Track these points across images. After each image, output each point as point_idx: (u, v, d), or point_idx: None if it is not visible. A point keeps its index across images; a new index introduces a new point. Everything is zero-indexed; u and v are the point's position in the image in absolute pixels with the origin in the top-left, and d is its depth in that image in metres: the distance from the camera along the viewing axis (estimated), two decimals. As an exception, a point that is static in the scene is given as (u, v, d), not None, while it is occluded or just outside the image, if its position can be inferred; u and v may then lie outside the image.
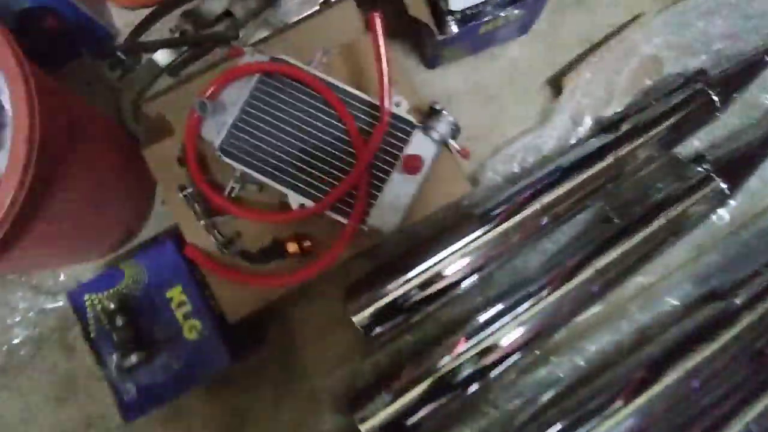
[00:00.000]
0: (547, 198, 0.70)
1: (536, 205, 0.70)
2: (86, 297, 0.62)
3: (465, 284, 0.70)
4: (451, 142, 0.62)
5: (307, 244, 0.62)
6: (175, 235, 0.66)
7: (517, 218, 0.70)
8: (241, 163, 0.61)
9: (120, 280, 0.62)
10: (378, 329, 0.68)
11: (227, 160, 0.61)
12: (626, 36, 0.76)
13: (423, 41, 0.75)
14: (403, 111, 0.61)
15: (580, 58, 0.78)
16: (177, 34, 0.77)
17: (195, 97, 0.59)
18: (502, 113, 0.79)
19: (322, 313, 0.77)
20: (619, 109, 0.76)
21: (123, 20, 0.82)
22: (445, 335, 0.70)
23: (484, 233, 0.69)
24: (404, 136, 0.60)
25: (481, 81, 0.80)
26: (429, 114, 0.62)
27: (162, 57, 0.77)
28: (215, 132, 0.60)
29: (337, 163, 0.60)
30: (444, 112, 0.59)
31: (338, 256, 0.59)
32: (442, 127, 0.60)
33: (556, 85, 0.79)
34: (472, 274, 0.69)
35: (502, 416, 0.74)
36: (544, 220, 0.71)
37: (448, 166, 0.65)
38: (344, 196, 0.59)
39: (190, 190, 0.63)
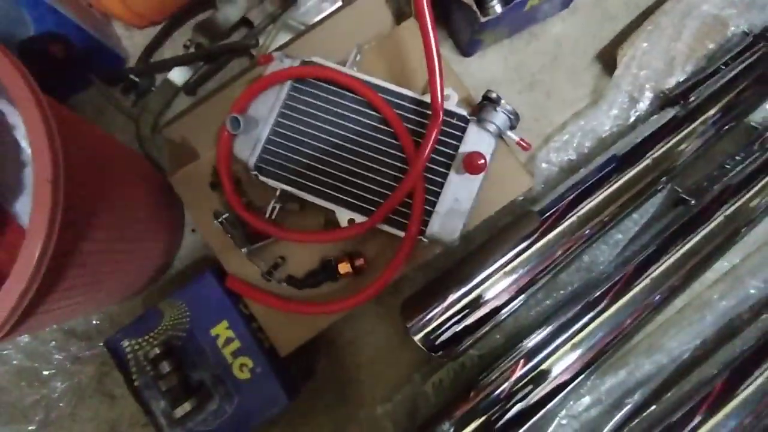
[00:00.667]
0: (611, 188, 0.63)
1: (598, 198, 0.63)
2: (125, 343, 0.56)
3: (532, 289, 0.63)
4: (510, 133, 0.55)
5: (359, 262, 0.56)
6: (213, 265, 0.60)
7: (580, 214, 0.63)
8: (280, 181, 0.55)
9: (160, 321, 0.57)
10: (443, 349, 0.61)
11: (264, 179, 0.55)
12: (681, -2, 0.68)
13: (458, 27, 0.68)
14: (453, 104, 0.55)
15: (632, 27, 0.71)
16: (191, 49, 0.72)
17: (227, 114, 0.54)
18: (550, 97, 0.72)
19: (372, 333, 0.71)
20: (681, 79, 0.69)
21: (132, 41, 0.77)
22: (509, 349, 0.64)
23: (546, 233, 0.62)
24: (459, 133, 0.54)
25: (523, 64, 0.73)
26: (482, 104, 0.55)
27: (178, 76, 0.72)
28: (249, 149, 0.55)
29: (387, 171, 0.54)
30: (502, 100, 0.53)
31: (396, 273, 0.53)
32: (498, 118, 0.54)
33: (607, 59, 0.72)
34: (538, 277, 0.62)
35: (582, 429, 0.67)
36: (610, 213, 0.63)
37: (506, 160, 0.59)
38: (398, 206, 0.53)
39: (226, 215, 0.57)
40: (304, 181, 0.54)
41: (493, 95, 0.53)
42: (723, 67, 0.66)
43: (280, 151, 0.55)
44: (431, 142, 0.51)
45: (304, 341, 0.57)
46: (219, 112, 0.57)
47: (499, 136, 0.55)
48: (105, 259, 0.54)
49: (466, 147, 0.53)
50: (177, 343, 0.56)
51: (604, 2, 0.73)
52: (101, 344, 0.58)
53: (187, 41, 0.72)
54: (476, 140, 0.53)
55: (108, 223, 0.53)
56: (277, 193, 0.56)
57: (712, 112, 0.64)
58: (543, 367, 0.60)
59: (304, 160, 0.55)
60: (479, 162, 0.49)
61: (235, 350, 0.56)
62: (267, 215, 0.56)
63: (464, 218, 0.53)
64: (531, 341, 0.62)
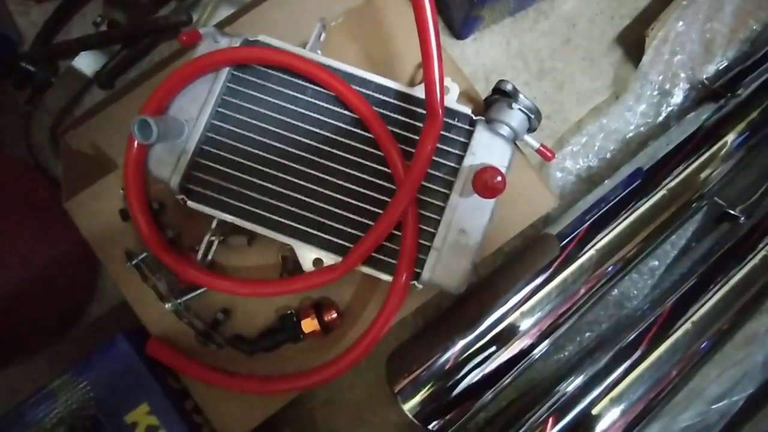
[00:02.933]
0: (643, 207, 0.50)
1: (628, 220, 0.50)
2: (1, 442, 0.40)
3: (554, 335, 0.50)
4: (528, 137, 0.42)
5: (330, 317, 0.42)
6: (129, 318, 0.44)
7: (607, 240, 0.50)
8: (216, 207, 0.39)
9: (51, 408, 0.40)
10: (438, 420, 0.47)
11: (194, 206, 0.39)
12: (720, -34, 0.56)
13: (451, 0, 0.54)
14: (453, 101, 0.40)
15: (657, 4, 0.58)
16: (104, 28, 0.55)
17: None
18: (562, 89, 0.59)
19: (351, 390, 0.56)
20: (722, 67, 0.56)
21: (28, 19, 0.59)
22: (525, 408, 0.51)
23: (568, 263, 0.49)
24: (463, 139, 0.39)
25: (529, 49, 0.59)
26: (492, 99, 0.41)
27: (87, 62, 0.55)
28: (170, 165, 0.39)
29: (366, 191, 0.39)
30: (520, 94, 0.39)
31: (382, 334, 0.39)
32: (515, 118, 0.40)
33: (629, 43, 0.59)
34: (561, 319, 0.49)
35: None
36: (644, 237, 0.51)
37: (522, 173, 0.45)
38: (384, 241, 0.38)
39: (143, 256, 0.41)
40: (249, 207, 0.39)
41: (509, 86, 0.39)
42: (775, 52, 0.54)
43: (215, 164, 0.39)
44: (427, 153, 0.36)
45: (256, 425, 0.42)
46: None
47: (514, 140, 0.41)
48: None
49: (474, 158, 0.39)
50: (77, 438, 0.40)
51: (624, -27, 0.60)
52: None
53: (97, 17, 0.55)
54: (487, 149, 0.39)
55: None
56: (213, 224, 0.40)
57: (764, 107, 0.52)
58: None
59: (249, 177, 0.39)
60: (496, 180, 0.35)
61: (161, 443, 0.41)
62: (199, 256, 0.40)
63: (473, 255, 0.39)
64: (557, 397, 0.49)
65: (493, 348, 0.47)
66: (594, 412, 0.48)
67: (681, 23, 0.55)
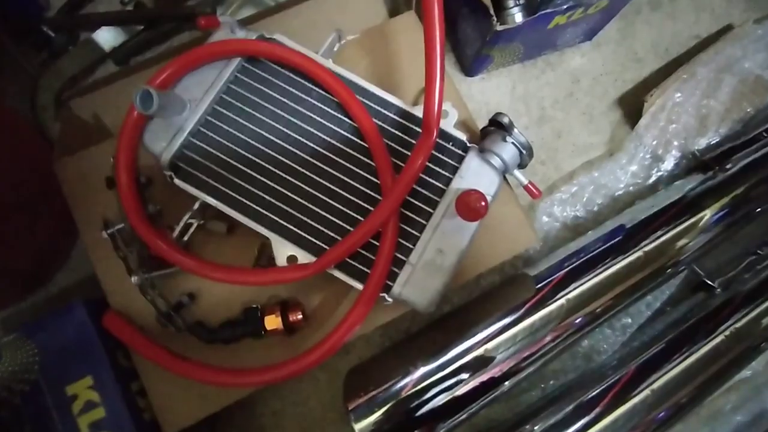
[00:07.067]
0: (622, 263, 0.51)
1: (605, 273, 0.50)
2: (-68, 393, 0.38)
3: (517, 377, 0.49)
4: (517, 173, 0.43)
5: (295, 317, 0.41)
6: (95, 294, 0.43)
7: (582, 290, 0.50)
8: (201, 189, 0.39)
9: (-9, 366, 0.39)
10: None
11: (180, 184, 0.40)
12: (721, 49, 0.59)
13: (465, 37, 0.56)
14: (450, 125, 0.42)
15: (660, 75, 0.61)
16: (130, 8, 0.57)
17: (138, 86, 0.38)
18: (560, 138, 0.61)
19: (305, 403, 0.55)
20: (713, 141, 0.59)
21: (59, -12, 0.61)
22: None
23: (540, 307, 0.49)
24: (454, 163, 0.40)
25: (533, 96, 0.61)
26: (487, 130, 0.42)
27: (106, 38, 0.57)
28: (164, 140, 0.39)
29: (351, 197, 0.40)
30: (515, 129, 0.40)
31: (343, 341, 0.38)
32: (507, 151, 0.41)
33: (629, 107, 0.61)
34: (526, 362, 0.49)
35: None
36: (618, 293, 0.51)
37: (507, 207, 0.45)
38: (361, 248, 0.38)
39: (120, 226, 0.41)
40: (235, 194, 0.39)
41: (505, 120, 0.40)
42: (765, 135, 0.56)
43: (209, 148, 0.40)
44: (417, 168, 0.37)
45: (199, 419, 0.41)
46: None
47: (504, 174, 0.42)
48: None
49: (461, 182, 0.39)
50: (11, 401, 0.39)
51: (630, 41, 0.63)
52: None
53: (126, -3, 0.57)
54: (476, 175, 0.40)
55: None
56: (196, 205, 0.40)
57: (749, 185, 0.54)
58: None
59: (240, 166, 0.40)
60: (479, 204, 0.35)
61: (97, 422, 0.39)
62: (175, 234, 0.40)
63: (446, 277, 0.38)
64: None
65: (453, 381, 0.46)
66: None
67: (679, 95, 0.58)
